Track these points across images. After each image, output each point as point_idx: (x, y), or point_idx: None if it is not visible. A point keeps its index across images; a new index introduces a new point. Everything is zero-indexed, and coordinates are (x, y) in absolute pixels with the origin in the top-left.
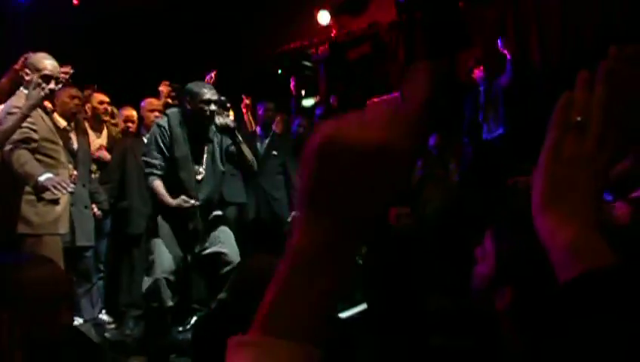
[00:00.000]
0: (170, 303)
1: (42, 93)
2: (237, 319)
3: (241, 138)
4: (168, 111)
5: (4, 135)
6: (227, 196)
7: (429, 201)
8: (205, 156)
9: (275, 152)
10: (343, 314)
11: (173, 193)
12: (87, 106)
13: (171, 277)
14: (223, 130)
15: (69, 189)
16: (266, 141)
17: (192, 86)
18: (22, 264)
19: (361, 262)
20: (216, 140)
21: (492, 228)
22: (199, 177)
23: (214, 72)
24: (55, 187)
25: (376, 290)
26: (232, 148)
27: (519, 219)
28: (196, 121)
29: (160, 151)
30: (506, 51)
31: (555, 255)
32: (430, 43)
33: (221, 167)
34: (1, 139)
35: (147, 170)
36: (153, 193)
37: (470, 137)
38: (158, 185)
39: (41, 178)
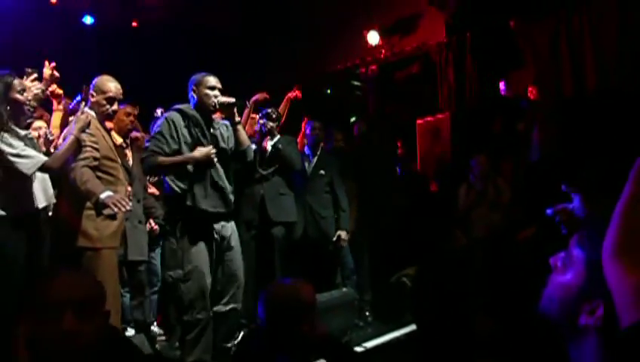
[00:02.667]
0: (203, 315)
1: (89, 118)
2: (272, 343)
3: (239, 119)
4: (172, 112)
5: (59, 159)
6: (275, 216)
7: (478, 222)
8: (210, 141)
9: (322, 171)
10: (392, 335)
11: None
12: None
13: (207, 288)
14: (223, 106)
15: (128, 207)
16: (314, 160)
17: (197, 75)
18: (55, 276)
19: (409, 283)
20: (223, 131)
21: (580, 233)
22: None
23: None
24: (115, 204)
25: (426, 311)
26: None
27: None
28: (202, 110)
29: (166, 142)
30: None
31: (620, 298)
32: (480, 63)
33: (227, 161)
34: (56, 162)
35: (146, 155)
36: (160, 166)
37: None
38: (164, 159)
39: (102, 195)
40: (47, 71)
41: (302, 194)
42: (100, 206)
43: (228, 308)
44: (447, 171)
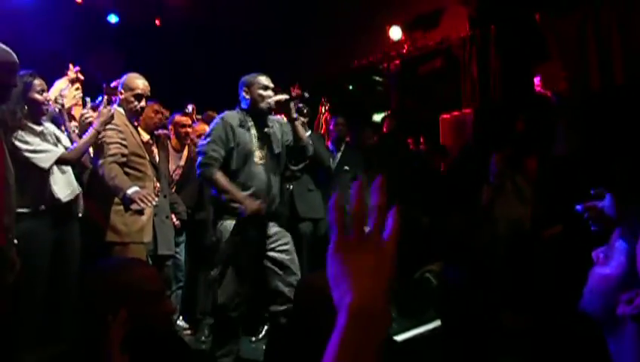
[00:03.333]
0: (236, 315)
1: (112, 112)
2: (304, 334)
3: (296, 115)
4: (228, 111)
5: (77, 152)
6: (303, 212)
7: (501, 219)
8: (263, 143)
9: (347, 167)
10: (416, 331)
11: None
12: (170, 128)
13: (240, 289)
14: (280, 105)
15: (154, 202)
16: (338, 156)
17: (247, 76)
18: (126, 266)
19: (433, 279)
20: (276, 130)
21: (623, 225)
22: (260, 162)
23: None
24: (141, 200)
25: (451, 307)
26: (290, 139)
27: None
28: (256, 110)
29: (222, 145)
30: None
31: None
32: (505, 57)
33: (281, 160)
34: (74, 155)
35: (203, 160)
36: (216, 184)
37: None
38: (221, 176)
39: (129, 191)
40: (71, 74)
41: (327, 190)
42: (127, 201)
43: (283, 307)
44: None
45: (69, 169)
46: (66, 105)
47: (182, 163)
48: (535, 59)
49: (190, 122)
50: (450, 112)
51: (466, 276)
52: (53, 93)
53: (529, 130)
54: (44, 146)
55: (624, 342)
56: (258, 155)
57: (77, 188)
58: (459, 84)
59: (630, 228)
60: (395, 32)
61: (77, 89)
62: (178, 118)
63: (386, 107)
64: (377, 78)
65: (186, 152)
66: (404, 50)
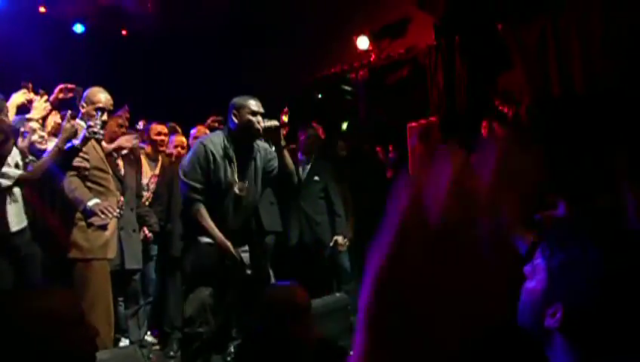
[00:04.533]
0: (204, 329)
1: (75, 127)
2: (269, 347)
3: (284, 143)
4: (211, 134)
5: (38, 169)
6: (267, 225)
7: None
8: (244, 169)
9: (317, 177)
10: None
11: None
12: (145, 137)
13: (210, 303)
14: (268, 132)
15: (115, 214)
16: (308, 166)
17: (238, 99)
18: (40, 292)
19: None
20: (258, 158)
21: (542, 244)
22: (241, 193)
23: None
24: (102, 212)
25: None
26: (273, 166)
27: (569, 233)
28: (243, 135)
29: (203, 173)
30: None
31: None
32: (470, 66)
33: (259, 188)
34: (37, 173)
35: (189, 194)
36: (195, 219)
37: None
38: (204, 214)
39: (90, 203)
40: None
41: (295, 200)
42: (88, 213)
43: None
44: None
45: (20, 199)
46: (36, 117)
47: (157, 171)
48: (499, 67)
49: (166, 131)
50: (417, 120)
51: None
52: (11, 108)
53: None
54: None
55: (557, 353)
56: (237, 186)
57: (24, 221)
58: (426, 92)
59: (549, 243)
60: (363, 42)
61: (46, 100)
62: (154, 125)
63: (354, 116)
64: (346, 88)
65: (160, 160)
66: (372, 60)
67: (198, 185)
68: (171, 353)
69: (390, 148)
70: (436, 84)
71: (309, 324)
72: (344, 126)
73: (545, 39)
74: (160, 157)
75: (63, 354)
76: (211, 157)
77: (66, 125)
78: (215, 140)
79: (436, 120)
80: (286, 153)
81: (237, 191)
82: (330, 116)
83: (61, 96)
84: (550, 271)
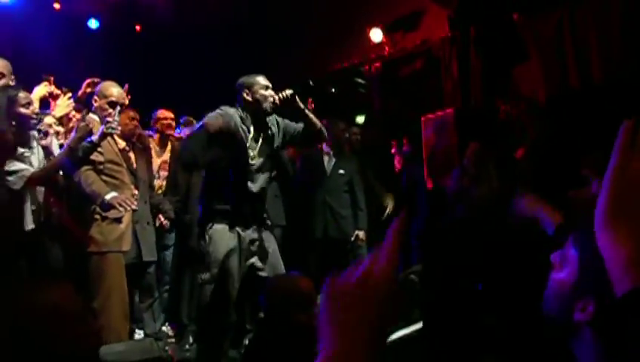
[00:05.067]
0: (220, 321)
1: (90, 127)
2: (275, 339)
3: (302, 105)
4: (227, 108)
5: (52, 166)
6: (273, 218)
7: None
8: (261, 144)
9: (342, 171)
10: (400, 333)
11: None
12: (151, 124)
13: (226, 294)
14: (284, 102)
15: (134, 207)
16: (333, 159)
17: (245, 78)
18: (39, 286)
19: (417, 280)
20: (275, 132)
21: (575, 233)
22: (255, 163)
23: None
24: (120, 204)
25: (434, 308)
26: (294, 128)
27: None
28: (257, 112)
29: (222, 127)
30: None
31: (614, 268)
32: (485, 58)
33: (271, 166)
34: (47, 172)
35: (190, 156)
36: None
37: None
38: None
39: (107, 196)
40: (49, 88)
41: (320, 193)
42: (105, 207)
43: None
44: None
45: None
46: (58, 115)
47: (165, 157)
48: (515, 59)
49: (172, 115)
50: (432, 113)
51: (448, 276)
52: (34, 101)
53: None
54: (15, 166)
55: (582, 345)
56: (253, 156)
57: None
58: (440, 84)
59: (582, 236)
60: (376, 34)
61: (69, 98)
62: (160, 111)
63: (368, 109)
64: (359, 81)
65: (169, 146)
66: (385, 52)
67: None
68: (187, 346)
69: (404, 141)
70: (451, 76)
71: (313, 313)
72: (360, 119)
73: (562, 30)
74: (169, 142)
75: (65, 349)
76: (232, 123)
77: (81, 125)
78: (233, 111)
79: (451, 112)
80: (309, 113)
81: (252, 161)
82: (345, 109)
83: (89, 90)
84: (582, 262)
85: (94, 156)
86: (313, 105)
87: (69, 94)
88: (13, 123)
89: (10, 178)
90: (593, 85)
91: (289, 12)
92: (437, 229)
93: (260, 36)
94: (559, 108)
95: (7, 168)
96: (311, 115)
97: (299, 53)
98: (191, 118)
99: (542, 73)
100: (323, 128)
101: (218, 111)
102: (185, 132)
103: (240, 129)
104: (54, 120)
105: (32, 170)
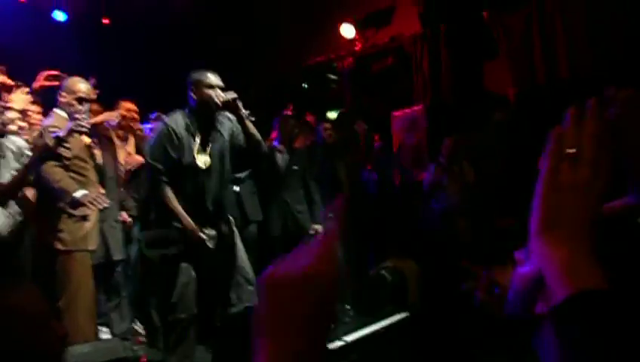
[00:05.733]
0: (185, 316)
1: (45, 143)
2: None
3: (245, 113)
4: (172, 113)
5: (14, 185)
6: (251, 214)
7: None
8: (211, 149)
9: (295, 167)
10: (372, 328)
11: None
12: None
13: (188, 289)
14: (226, 105)
15: (105, 205)
16: (287, 157)
17: (194, 74)
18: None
19: (389, 276)
20: (225, 132)
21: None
22: (204, 167)
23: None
24: (91, 203)
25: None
26: (242, 140)
27: None
28: (203, 110)
29: (166, 153)
30: None
31: (550, 277)
32: (455, 54)
33: (227, 164)
34: (12, 189)
35: (153, 175)
36: (164, 203)
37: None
38: (170, 196)
39: (77, 194)
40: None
41: (277, 190)
42: (75, 204)
43: (235, 309)
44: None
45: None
46: (17, 108)
47: (129, 149)
48: (484, 56)
49: (136, 108)
50: (401, 109)
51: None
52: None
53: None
54: None
55: (545, 339)
56: (202, 161)
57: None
58: (411, 81)
59: None
60: (348, 30)
61: (27, 92)
62: (123, 103)
63: (340, 105)
64: (331, 76)
65: (132, 140)
66: (357, 48)
67: (161, 167)
68: (157, 344)
69: (375, 138)
70: (421, 72)
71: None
72: (333, 115)
73: (530, 27)
74: (131, 136)
75: (28, 354)
76: (174, 135)
77: (37, 141)
78: (177, 117)
79: (420, 108)
80: (248, 123)
81: (200, 165)
82: (317, 105)
83: (46, 84)
84: None
85: (62, 151)
86: (290, 112)
87: (25, 88)
88: None
89: None
90: (560, 81)
91: (262, 7)
92: (412, 222)
93: (232, 31)
94: (527, 104)
95: None
96: (250, 126)
97: (271, 48)
98: (161, 114)
99: (510, 70)
100: (262, 142)
101: (159, 124)
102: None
103: (182, 135)
104: (18, 115)
105: None
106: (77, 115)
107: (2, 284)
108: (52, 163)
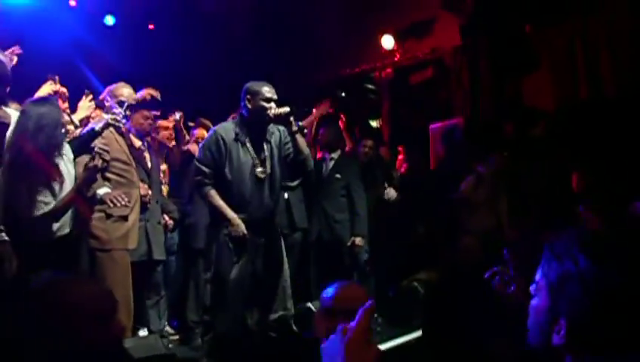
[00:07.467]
0: (224, 318)
1: (92, 173)
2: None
3: (296, 128)
4: (224, 123)
5: (65, 205)
6: (298, 222)
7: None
8: (264, 157)
9: (338, 175)
10: (402, 339)
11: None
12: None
13: (230, 293)
14: (278, 118)
15: (124, 203)
16: (331, 163)
17: (251, 85)
18: (70, 284)
19: (421, 288)
20: (273, 141)
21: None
22: (255, 175)
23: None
24: (112, 201)
25: (434, 320)
26: (290, 150)
27: (561, 247)
28: (256, 121)
29: (213, 158)
30: None
31: None
32: (495, 68)
33: (278, 173)
34: (63, 209)
35: (198, 178)
36: (209, 202)
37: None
38: (214, 195)
39: (100, 191)
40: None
41: (316, 197)
42: (96, 201)
43: (277, 315)
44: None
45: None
46: (80, 117)
47: (164, 166)
48: (525, 70)
49: (169, 125)
50: (440, 121)
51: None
52: None
53: (517, 139)
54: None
55: None
56: (252, 168)
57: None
58: (450, 93)
59: (545, 259)
60: (388, 41)
61: (91, 100)
62: (160, 122)
63: (378, 115)
64: (370, 86)
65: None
66: (396, 59)
67: (206, 169)
68: (191, 343)
69: (400, 150)
70: (461, 85)
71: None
72: (375, 123)
73: (574, 41)
74: (166, 150)
75: (89, 350)
76: (222, 142)
77: (83, 172)
78: (227, 126)
79: (460, 121)
80: (299, 137)
81: (258, 173)
82: (354, 115)
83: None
84: (550, 286)
85: (100, 149)
86: (332, 110)
87: (90, 96)
88: (63, 130)
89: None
90: (604, 97)
91: (302, 16)
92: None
93: (272, 39)
94: (567, 119)
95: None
96: (301, 140)
97: (310, 56)
98: (204, 120)
99: (552, 84)
100: (309, 158)
101: (210, 131)
102: (195, 134)
103: (229, 142)
104: (67, 118)
105: (52, 205)
106: (115, 110)
107: (65, 280)
108: (85, 156)
